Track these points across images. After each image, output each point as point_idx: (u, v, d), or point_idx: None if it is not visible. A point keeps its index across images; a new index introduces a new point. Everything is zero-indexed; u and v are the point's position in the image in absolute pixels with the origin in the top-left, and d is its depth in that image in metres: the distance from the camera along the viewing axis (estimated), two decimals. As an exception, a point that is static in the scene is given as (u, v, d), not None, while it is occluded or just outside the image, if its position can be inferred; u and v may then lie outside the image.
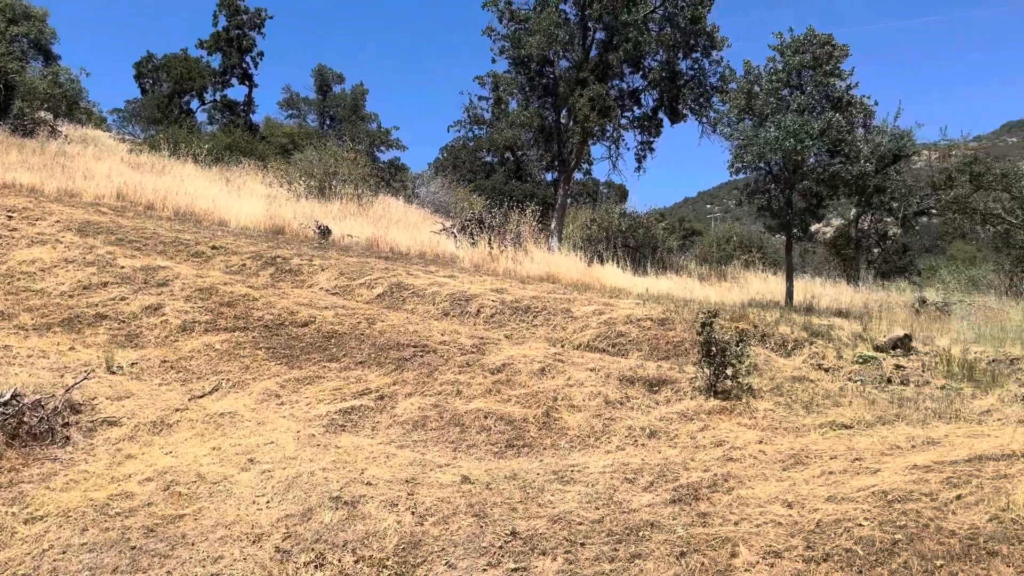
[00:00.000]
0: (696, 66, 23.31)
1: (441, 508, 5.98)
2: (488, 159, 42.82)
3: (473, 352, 9.93)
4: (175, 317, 11.14)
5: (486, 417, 8.13)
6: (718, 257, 31.70)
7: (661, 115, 24.37)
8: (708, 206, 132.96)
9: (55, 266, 12.79)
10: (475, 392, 8.72)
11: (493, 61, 23.70)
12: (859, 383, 9.13)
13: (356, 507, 6.03)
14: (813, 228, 34.67)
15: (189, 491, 6.57)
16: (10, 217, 15.06)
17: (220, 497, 6.47)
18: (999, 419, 7.20)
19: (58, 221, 15.32)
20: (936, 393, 8.61)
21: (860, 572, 4.45)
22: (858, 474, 5.88)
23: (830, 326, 13.32)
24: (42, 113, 27.48)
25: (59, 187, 19.07)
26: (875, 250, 27.44)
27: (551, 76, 24.42)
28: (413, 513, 5.90)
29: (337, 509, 6.03)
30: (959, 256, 31.73)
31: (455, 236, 20.41)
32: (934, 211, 25.65)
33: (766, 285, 23.50)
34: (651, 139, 24.83)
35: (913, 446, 6.44)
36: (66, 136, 28.04)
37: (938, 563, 4.39)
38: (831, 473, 5.99)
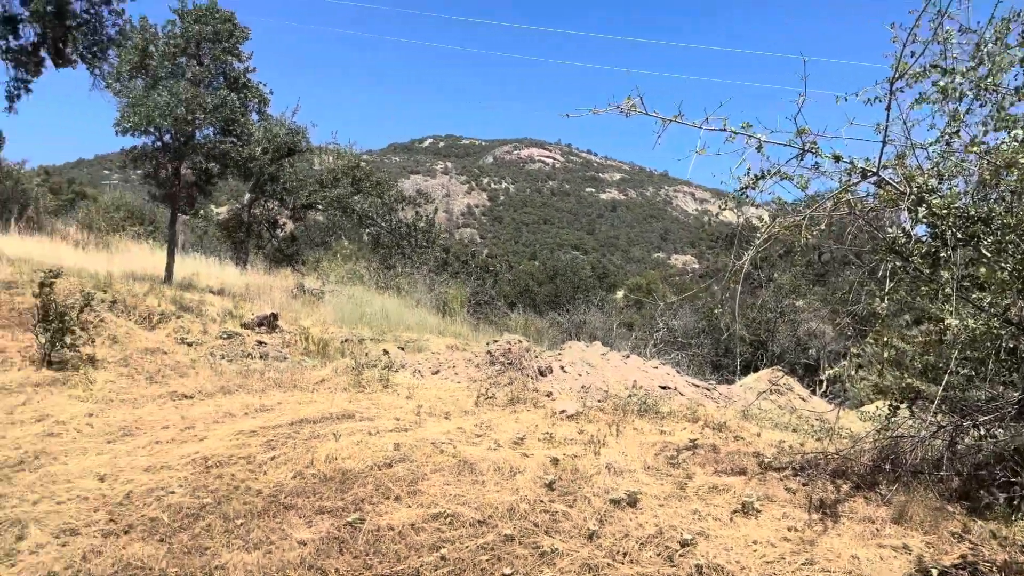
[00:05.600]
0: (93, 11, 20.82)
1: None
2: None
3: None
4: None
5: None
6: (104, 225, 28.97)
7: (44, 54, 21.07)
8: (106, 171, 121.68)
9: None
10: None
11: None
12: (215, 356, 9.21)
13: None
14: (210, 207, 34.51)
15: None
16: None
17: None
18: (330, 388, 8.01)
19: None
20: (285, 365, 9.20)
21: (162, 540, 4.33)
22: (186, 442, 5.82)
23: (203, 302, 13.28)
24: None
25: None
26: (266, 236, 28.58)
27: None
28: None
29: None
30: (341, 252, 35.19)
31: None
32: (320, 206, 27.95)
33: (151, 259, 22.31)
34: (29, 78, 21.21)
35: (247, 413, 6.69)
36: None
37: (239, 522, 4.54)
38: (158, 443, 5.79)
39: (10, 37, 21.62)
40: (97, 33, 21.52)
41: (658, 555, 4.24)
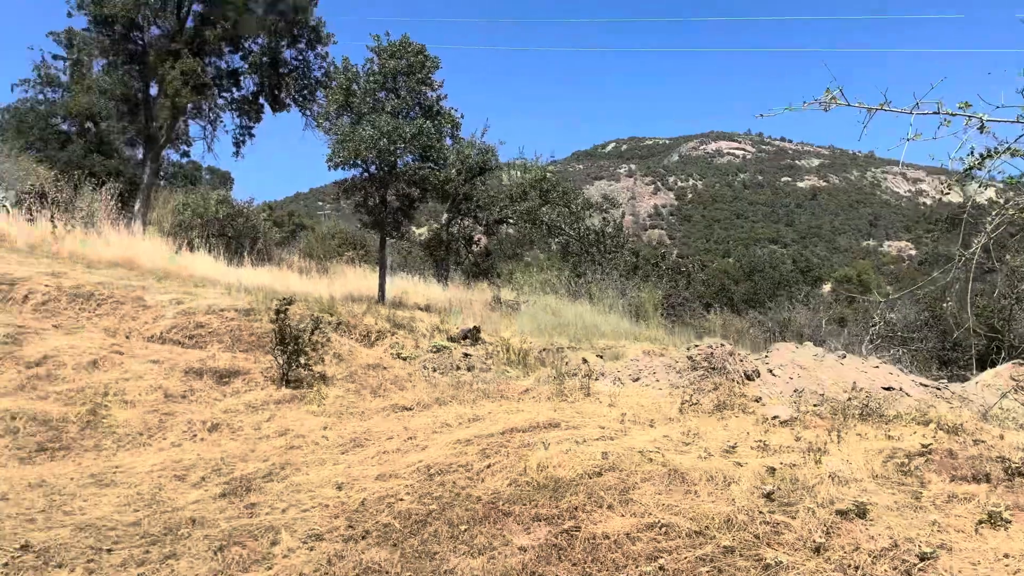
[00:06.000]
0: (301, 57, 23.07)
1: (-70, 528, 4.92)
2: (63, 127, 37.05)
3: (7, 343, 8.43)
4: None
5: (14, 418, 6.93)
6: (322, 253, 31.74)
7: (262, 101, 23.61)
8: (320, 203, 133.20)
9: None
10: (3, 389, 7.39)
11: (69, 15, 20.54)
12: (428, 369, 9.77)
13: None
14: (411, 229, 36.73)
15: None
16: None
17: None
18: (534, 397, 8.24)
19: None
20: (490, 376, 9.58)
21: (395, 545, 4.67)
22: (409, 452, 6.23)
23: (413, 319, 14.12)
24: None
25: None
26: (463, 253, 29.92)
27: (140, 42, 22.11)
28: None
29: None
30: (533, 263, 36.01)
31: (7, 210, 17.29)
32: (511, 220, 28.81)
33: (364, 281, 24.14)
34: (251, 124, 23.92)
35: (461, 423, 7.05)
36: None
37: (463, 528, 4.80)
38: (385, 453, 6.25)
39: (234, 89, 24.50)
40: (306, 77, 23.80)
41: (894, 569, 3.96)
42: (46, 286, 11.28)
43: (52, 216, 16.87)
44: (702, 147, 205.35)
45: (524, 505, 5.03)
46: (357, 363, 9.85)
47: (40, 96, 37.60)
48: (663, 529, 4.52)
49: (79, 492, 5.68)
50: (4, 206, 17.90)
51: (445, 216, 28.54)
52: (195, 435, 7.04)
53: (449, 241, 28.80)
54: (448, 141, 18.67)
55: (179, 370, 8.39)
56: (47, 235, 16.23)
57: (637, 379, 8.62)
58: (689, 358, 8.60)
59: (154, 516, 5.19)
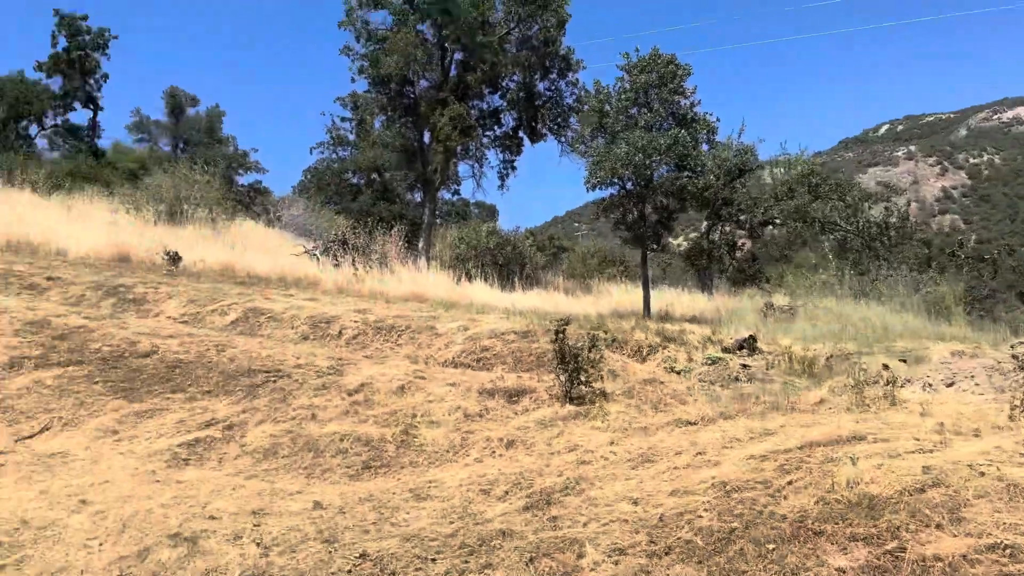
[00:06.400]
0: (553, 87, 24.11)
1: (289, 537, 5.73)
2: (354, 181, 42.18)
3: (330, 374, 9.67)
4: (1, 354, 10.23)
5: (342, 439, 7.91)
6: (584, 272, 32.55)
7: (521, 134, 24.97)
8: (576, 224, 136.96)
9: None
10: (331, 415, 8.47)
11: (352, 80, 23.58)
12: (706, 382, 9.56)
13: (197, 543, 5.67)
14: (669, 241, 36.37)
15: (11, 539, 5.99)
16: None
17: (47, 543, 5.92)
18: (830, 408, 7.71)
19: None
20: (776, 388, 9.13)
21: (700, 562, 4.60)
22: (700, 467, 6.12)
23: (683, 331, 13.92)
24: None
25: None
26: (727, 260, 29.02)
27: (412, 96, 24.47)
28: (258, 544, 5.61)
29: (176, 546, 5.64)
30: (804, 263, 33.87)
31: (317, 258, 19.93)
32: (778, 220, 27.41)
33: (627, 297, 24.34)
34: (513, 157, 25.41)
35: (751, 438, 6.78)
36: None
37: (770, 547, 4.60)
38: (676, 468, 6.20)
39: (496, 127, 26.18)
40: (559, 106, 24.75)
41: None
42: (355, 321, 12.77)
43: (353, 260, 19.13)
44: (995, 116, 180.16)
45: (836, 524, 4.69)
46: (633, 379, 9.91)
47: (333, 155, 43.16)
48: (1007, 550, 3.98)
49: (402, 505, 6.31)
50: (315, 255, 20.64)
51: (705, 224, 27.94)
52: (494, 451, 7.51)
53: (710, 249, 28.10)
54: (704, 147, 18.32)
55: (474, 391, 9.03)
56: (351, 277, 18.44)
57: (951, 384, 7.71)
58: (1014, 357, 7.52)
59: (468, 528, 5.60)
